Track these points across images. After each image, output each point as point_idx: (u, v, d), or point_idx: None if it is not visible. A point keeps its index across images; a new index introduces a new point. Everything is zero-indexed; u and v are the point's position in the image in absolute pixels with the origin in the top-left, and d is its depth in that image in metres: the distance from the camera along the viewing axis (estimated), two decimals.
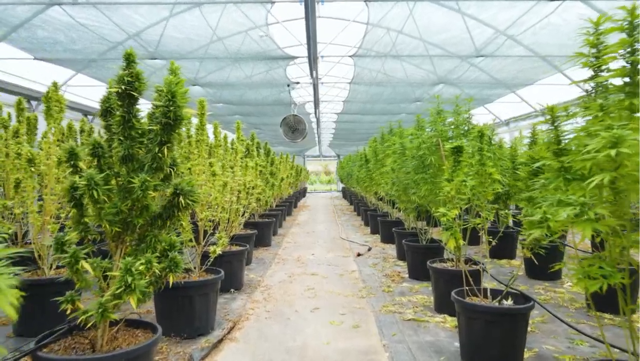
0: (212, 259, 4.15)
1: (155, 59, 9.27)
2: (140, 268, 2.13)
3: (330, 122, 20.00)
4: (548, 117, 2.09)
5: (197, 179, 4.05)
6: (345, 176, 16.89)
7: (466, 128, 4.08)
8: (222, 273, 4.01)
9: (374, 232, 9.76)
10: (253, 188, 6.70)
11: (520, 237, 6.51)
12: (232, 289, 5.03)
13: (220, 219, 4.85)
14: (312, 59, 7.11)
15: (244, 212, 6.00)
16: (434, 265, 4.40)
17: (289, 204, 13.47)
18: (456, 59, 10.21)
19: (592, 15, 5.42)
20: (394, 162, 5.83)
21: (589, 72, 2.00)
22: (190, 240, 3.89)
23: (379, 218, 8.80)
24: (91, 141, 2.36)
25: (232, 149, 5.09)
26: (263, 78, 11.18)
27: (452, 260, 4.44)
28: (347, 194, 22.09)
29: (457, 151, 3.08)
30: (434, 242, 5.66)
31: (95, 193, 2.19)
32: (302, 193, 25.26)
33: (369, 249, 7.75)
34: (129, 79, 2.30)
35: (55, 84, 3.82)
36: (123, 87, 2.29)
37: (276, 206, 11.56)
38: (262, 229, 8.03)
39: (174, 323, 3.56)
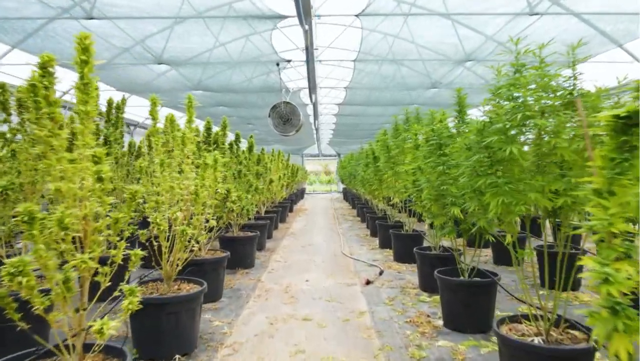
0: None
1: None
2: None
3: (330, 115, 18.20)
4: None
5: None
6: (347, 176, 15.09)
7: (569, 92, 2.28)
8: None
9: (383, 246, 7.95)
10: (227, 194, 4.91)
11: None
12: (177, 357, 3.23)
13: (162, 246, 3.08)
14: (304, 14, 5.23)
15: (209, 228, 4.21)
16: (507, 334, 2.60)
17: (282, 209, 11.68)
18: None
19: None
20: (422, 158, 4.03)
21: None
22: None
23: (392, 230, 7.00)
24: None
25: (177, 138, 3.30)
26: (243, 49, 9.30)
27: (538, 319, 2.63)
28: (348, 195, 20.29)
29: (629, 126, 1.29)
30: (483, 275, 3.87)
31: None
32: (301, 194, 23.46)
33: (381, 273, 5.95)
34: None
35: None
36: None
37: (266, 212, 9.78)
38: (242, 246, 6.23)
39: None
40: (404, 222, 7.09)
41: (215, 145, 4.85)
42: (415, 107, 6.83)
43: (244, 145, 7.71)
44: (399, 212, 8.25)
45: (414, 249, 5.28)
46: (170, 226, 3.24)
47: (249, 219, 7.29)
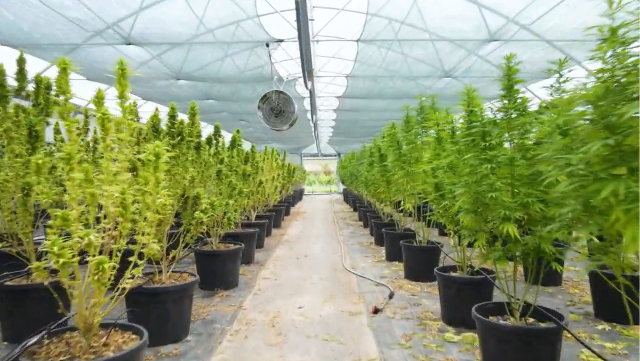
0: None
1: None
2: None
3: (329, 111, 17.09)
4: None
5: None
6: (348, 176, 14.00)
7: None
8: None
9: (391, 258, 6.85)
10: (195, 200, 3.82)
11: None
12: None
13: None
14: None
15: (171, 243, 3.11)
16: None
17: (276, 214, 10.58)
18: None
19: None
20: (455, 154, 2.93)
21: None
22: None
23: (403, 241, 5.89)
24: None
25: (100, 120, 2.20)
26: (227, 27, 8.14)
27: None
28: (349, 197, 19.19)
29: None
30: (541, 315, 2.76)
31: None
32: (299, 195, 22.35)
33: (391, 296, 4.84)
34: None
35: None
36: None
37: (257, 217, 8.68)
38: (222, 263, 5.13)
39: None
40: (416, 231, 5.98)
41: (180, 138, 3.74)
42: (430, 97, 5.72)
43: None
44: (409, 218, 7.15)
45: (435, 270, 4.17)
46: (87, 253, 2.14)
47: (235, 227, 6.19)
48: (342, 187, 27.84)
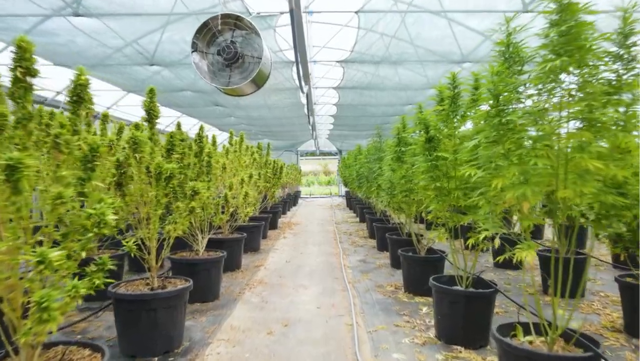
0: None
1: None
2: None
3: (329, 96, 13.71)
4: None
5: None
6: (355, 178, 10.59)
7: None
8: None
9: (451, 329, 3.53)
10: None
11: None
12: None
13: None
14: None
15: None
16: None
17: (254, 231, 7.28)
18: None
19: None
20: None
21: None
22: None
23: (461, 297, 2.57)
24: None
25: None
26: None
27: None
28: (353, 202, 15.87)
29: None
30: None
31: None
32: (293, 200, 19.01)
33: None
34: None
35: None
36: None
37: (217, 242, 5.39)
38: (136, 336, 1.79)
39: None
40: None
41: None
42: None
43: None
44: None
45: None
46: None
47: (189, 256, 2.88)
48: (343, 189, 24.46)
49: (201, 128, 5.12)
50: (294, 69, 7.59)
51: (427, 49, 9.02)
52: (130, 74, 9.84)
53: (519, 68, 2.66)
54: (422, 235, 5.58)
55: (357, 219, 13.33)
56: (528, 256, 2.23)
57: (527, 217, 2.40)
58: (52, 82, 10.35)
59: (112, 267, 2.06)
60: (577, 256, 4.36)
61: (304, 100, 10.96)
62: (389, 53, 9.22)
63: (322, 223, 12.47)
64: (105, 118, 5.21)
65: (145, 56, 8.68)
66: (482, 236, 2.65)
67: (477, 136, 2.64)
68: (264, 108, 13.81)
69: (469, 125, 3.46)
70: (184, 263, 4.67)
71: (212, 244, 5.51)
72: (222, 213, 5.42)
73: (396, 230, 7.04)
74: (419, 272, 4.79)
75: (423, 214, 4.70)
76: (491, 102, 2.50)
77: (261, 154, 9.23)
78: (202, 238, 4.93)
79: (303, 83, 6.56)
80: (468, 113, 3.43)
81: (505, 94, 2.45)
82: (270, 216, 9.37)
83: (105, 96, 12.00)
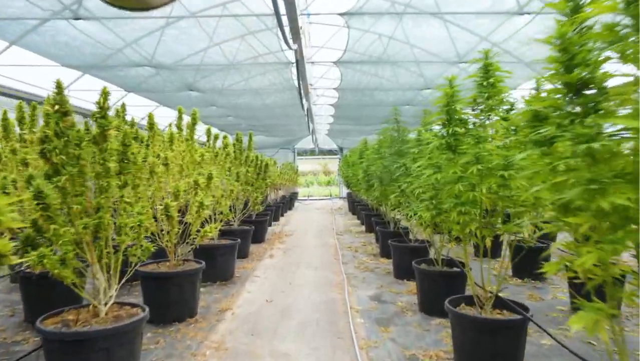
0: None
1: None
2: None
3: (329, 81, 11.59)
4: None
5: None
6: (362, 179, 8.40)
7: None
8: None
9: None
10: None
11: None
12: None
13: None
14: None
15: None
16: None
17: (223, 255, 5.20)
18: None
19: None
20: None
21: None
22: None
23: None
24: None
25: None
26: None
27: None
28: (355, 206, 13.74)
29: None
30: None
31: None
32: (289, 202, 16.87)
33: None
34: None
35: None
36: None
37: (154, 280, 3.33)
38: None
39: None
40: None
41: None
42: None
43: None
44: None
45: None
46: None
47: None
48: (345, 190, 22.29)
49: (121, 109, 3.01)
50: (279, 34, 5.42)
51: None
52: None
53: None
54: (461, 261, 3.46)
55: (363, 227, 11.20)
56: None
57: None
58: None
59: None
60: None
61: (294, 71, 8.75)
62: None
63: (320, 234, 10.32)
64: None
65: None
66: None
67: None
68: (249, 93, 11.71)
69: None
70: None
71: (149, 281, 3.40)
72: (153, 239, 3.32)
73: (425, 252, 4.93)
74: (487, 345, 2.69)
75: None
76: None
77: (241, 149, 7.10)
78: (107, 284, 2.81)
79: (291, 42, 4.47)
80: None
81: None
82: (252, 229, 7.24)
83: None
